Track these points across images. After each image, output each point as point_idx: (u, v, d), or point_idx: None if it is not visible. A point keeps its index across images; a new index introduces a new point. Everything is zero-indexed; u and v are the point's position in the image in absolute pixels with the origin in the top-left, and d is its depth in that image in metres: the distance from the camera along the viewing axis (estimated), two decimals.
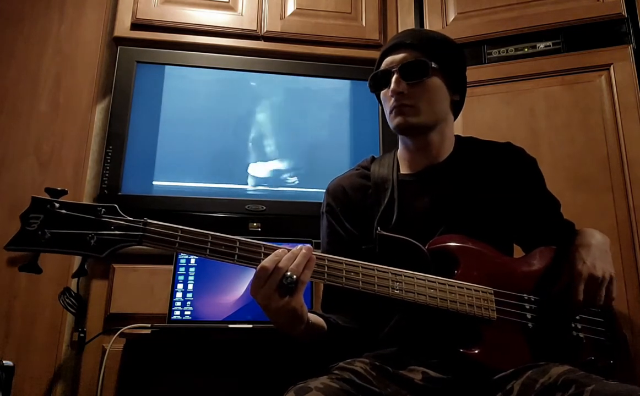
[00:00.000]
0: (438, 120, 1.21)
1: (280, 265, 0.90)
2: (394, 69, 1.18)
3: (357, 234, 1.21)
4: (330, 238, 1.24)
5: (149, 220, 0.90)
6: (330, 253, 0.99)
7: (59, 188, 0.86)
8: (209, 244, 0.92)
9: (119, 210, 0.90)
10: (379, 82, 1.23)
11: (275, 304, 0.91)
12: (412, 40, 1.21)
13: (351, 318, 1.15)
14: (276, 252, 0.93)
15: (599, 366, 1.08)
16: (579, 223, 1.28)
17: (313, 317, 1.05)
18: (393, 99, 1.18)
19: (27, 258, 0.84)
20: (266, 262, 0.91)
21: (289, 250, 0.94)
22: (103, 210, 0.88)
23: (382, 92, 1.24)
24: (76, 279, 1.82)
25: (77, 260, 1.80)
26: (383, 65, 1.23)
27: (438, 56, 1.20)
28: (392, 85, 1.17)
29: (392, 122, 1.21)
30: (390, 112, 1.20)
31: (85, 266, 0.88)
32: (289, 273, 0.90)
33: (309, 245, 0.94)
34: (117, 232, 0.88)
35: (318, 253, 0.98)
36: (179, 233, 0.91)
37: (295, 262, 0.91)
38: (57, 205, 0.86)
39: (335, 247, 1.20)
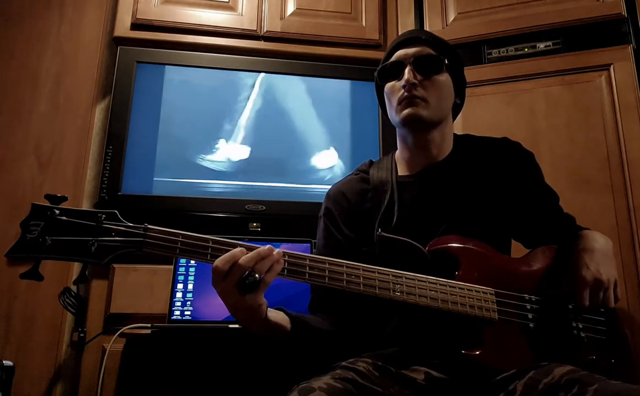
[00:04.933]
0: (443, 118, 1.22)
1: (241, 262, 0.90)
2: (407, 61, 1.19)
3: (355, 238, 1.21)
4: (326, 241, 1.24)
5: (149, 226, 0.90)
6: (325, 256, 0.99)
7: (58, 195, 0.86)
8: (210, 249, 0.92)
9: (119, 216, 0.89)
10: (387, 74, 1.23)
11: (233, 299, 0.92)
12: (427, 37, 1.23)
13: (336, 319, 1.15)
14: (254, 251, 0.92)
15: (600, 366, 1.08)
16: (579, 223, 1.29)
17: (276, 316, 1.03)
18: (404, 90, 1.17)
19: (28, 264, 0.84)
20: (223, 258, 0.90)
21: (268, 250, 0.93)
22: (104, 216, 0.88)
23: (389, 85, 1.23)
24: None
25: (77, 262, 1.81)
26: (394, 57, 1.23)
27: (449, 56, 1.22)
28: (406, 76, 1.17)
29: (399, 114, 1.19)
30: (399, 104, 1.19)
31: (86, 272, 0.87)
32: (253, 272, 0.90)
33: (279, 250, 0.94)
34: (117, 238, 0.87)
35: (318, 256, 0.98)
36: (180, 239, 0.90)
37: (262, 261, 0.91)
38: (57, 211, 0.86)
39: (331, 250, 1.20)
